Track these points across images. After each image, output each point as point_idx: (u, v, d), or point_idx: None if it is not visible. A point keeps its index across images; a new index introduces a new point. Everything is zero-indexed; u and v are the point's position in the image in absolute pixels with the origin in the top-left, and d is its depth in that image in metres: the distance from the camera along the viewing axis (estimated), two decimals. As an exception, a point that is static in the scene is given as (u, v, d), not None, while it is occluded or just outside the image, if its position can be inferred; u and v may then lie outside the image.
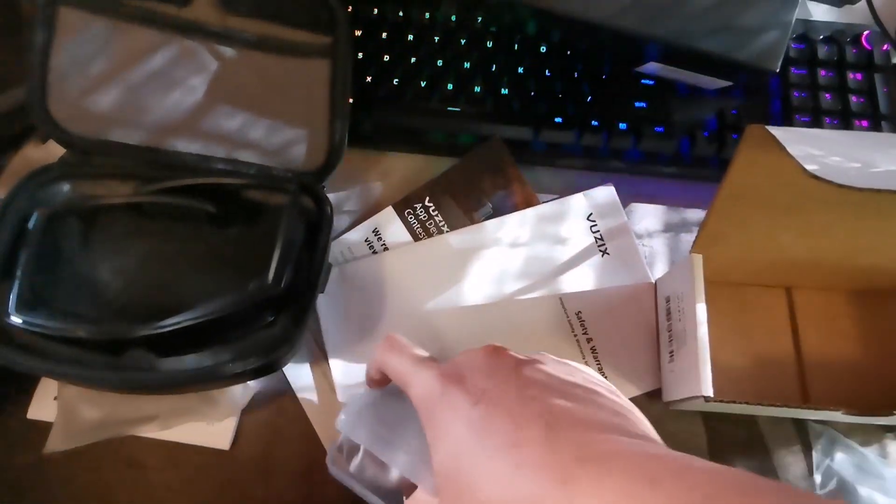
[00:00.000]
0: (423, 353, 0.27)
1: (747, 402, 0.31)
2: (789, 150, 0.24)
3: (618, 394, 0.24)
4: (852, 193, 0.26)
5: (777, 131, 0.26)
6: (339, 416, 0.29)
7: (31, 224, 0.35)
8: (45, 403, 0.37)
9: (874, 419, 0.32)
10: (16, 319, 0.31)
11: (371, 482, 0.29)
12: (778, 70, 0.35)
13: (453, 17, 0.43)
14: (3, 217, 0.34)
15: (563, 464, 0.19)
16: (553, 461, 0.19)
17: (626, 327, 0.39)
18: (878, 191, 0.23)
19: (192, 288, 0.36)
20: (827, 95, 0.40)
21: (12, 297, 0.32)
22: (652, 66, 0.39)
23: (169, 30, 0.37)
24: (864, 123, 0.40)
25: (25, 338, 0.32)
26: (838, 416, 0.33)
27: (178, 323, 0.31)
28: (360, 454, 0.29)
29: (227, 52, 0.38)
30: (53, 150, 0.43)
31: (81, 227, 0.37)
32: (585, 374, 0.24)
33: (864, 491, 0.35)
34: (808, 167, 0.23)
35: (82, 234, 0.37)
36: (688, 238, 0.41)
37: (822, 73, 0.41)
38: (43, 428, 0.36)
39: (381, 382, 0.29)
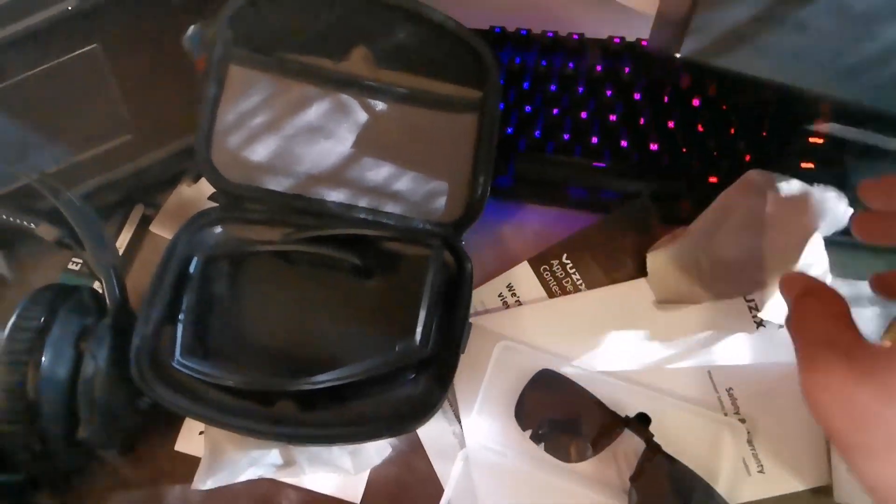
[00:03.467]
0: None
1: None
2: None
3: None
4: None
5: None
6: None
7: (192, 268, 0.37)
8: (191, 437, 0.38)
9: None
10: (180, 363, 0.33)
11: None
12: None
13: (599, 67, 0.42)
14: (169, 260, 0.36)
15: None
16: None
17: (787, 411, 0.35)
18: None
19: (335, 340, 0.36)
20: None
21: (178, 341, 0.34)
22: (825, 125, 0.36)
23: (325, 84, 0.38)
24: None
25: (184, 381, 0.33)
26: None
27: (329, 381, 0.32)
28: None
29: (378, 105, 0.38)
30: (204, 190, 0.46)
31: (232, 272, 0.38)
32: None
33: None
34: None
35: (233, 280, 0.38)
36: (864, 314, 0.37)
37: None
38: (188, 461, 0.38)
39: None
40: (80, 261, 0.44)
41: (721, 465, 0.34)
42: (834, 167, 0.38)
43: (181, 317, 0.35)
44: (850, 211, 0.32)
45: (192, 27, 0.40)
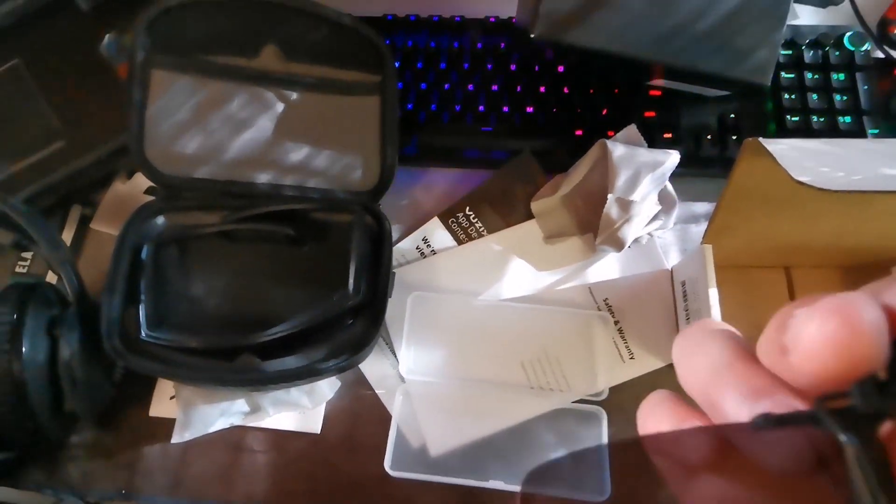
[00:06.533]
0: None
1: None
2: (781, 162, 0.30)
3: None
4: (836, 194, 0.31)
5: (770, 144, 0.32)
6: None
7: (143, 255, 0.41)
8: (163, 403, 0.44)
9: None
10: (147, 336, 0.38)
11: None
12: (769, 84, 0.41)
13: (479, 45, 0.49)
14: (121, 251, 0.41)
15: None
16: None
17: (648, 309, 0.45)
18: (857, 192, 0.28)
19: (281, 300, 0.42)
20: (814, 95, 0.46)
21: (142, 318, 0.39)
22: (659, 81, 0.45)
23: (242, 80, 0.43)
24: (848, 119, 0.45)
25: (154, 350, 0.39)
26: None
27: (281, 332, 0.38)
28: None
29: (291, 95, 0.44)
30: (139, 184, 0.50)
31: (182, 255, 0.43)
32: None
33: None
34: (798, 177, 0.29)
35: (183, 261, 0.43)
36: (696, 229, 0.47)
37: (808, 75, 0.46)
38: (163, 423, 0.43)
39: None
40: (28, 263, 0.47)
41: (596, 350, 0.44)
42: (670, 114, 0.47)
43: (142, 297, 0.40)
44: (676, 155, 0.42)
45: (107, 36, 0.44)
